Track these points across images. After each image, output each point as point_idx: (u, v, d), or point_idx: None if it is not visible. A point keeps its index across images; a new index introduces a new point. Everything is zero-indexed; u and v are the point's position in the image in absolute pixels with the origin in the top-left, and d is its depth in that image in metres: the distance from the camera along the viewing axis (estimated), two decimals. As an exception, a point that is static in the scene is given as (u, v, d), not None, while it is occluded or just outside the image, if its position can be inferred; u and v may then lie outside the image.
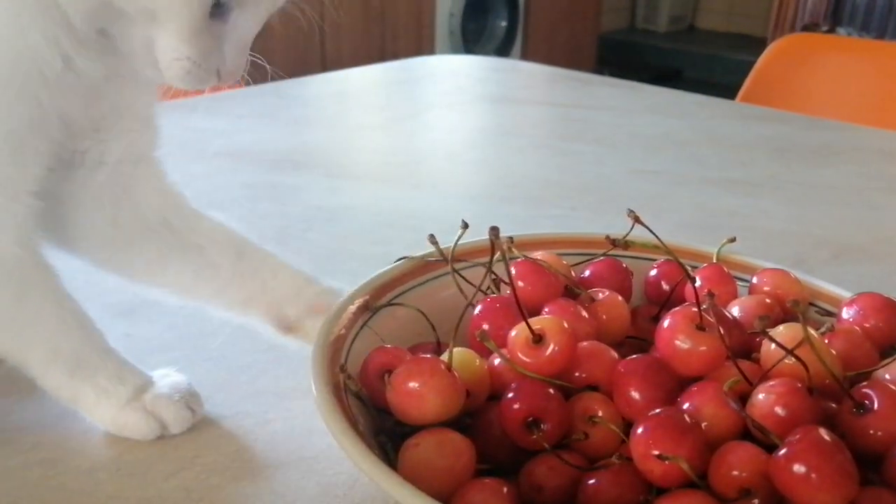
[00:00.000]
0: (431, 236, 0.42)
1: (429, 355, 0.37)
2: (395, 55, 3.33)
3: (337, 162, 0.92)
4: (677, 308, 0.38)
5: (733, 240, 0.49)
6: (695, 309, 0.37)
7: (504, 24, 3.84)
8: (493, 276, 0.42)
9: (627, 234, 0.47)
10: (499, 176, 0.90)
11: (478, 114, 1.17)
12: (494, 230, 0.38)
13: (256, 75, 0.46)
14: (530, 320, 0.37)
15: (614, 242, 0.46)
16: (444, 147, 1.01)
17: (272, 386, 0.49)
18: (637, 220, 0.45)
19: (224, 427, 0.46)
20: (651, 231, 0.45)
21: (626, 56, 5.08)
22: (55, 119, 0.42)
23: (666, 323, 0.37)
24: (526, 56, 3.99)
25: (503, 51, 3.86)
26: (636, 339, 0.43)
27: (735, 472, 0.31)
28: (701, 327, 0.37)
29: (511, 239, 0.42)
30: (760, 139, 1.05)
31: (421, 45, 3.46)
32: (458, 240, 0.43)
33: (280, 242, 0.70)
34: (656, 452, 0.32)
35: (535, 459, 0.35)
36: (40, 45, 0.39)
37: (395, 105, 1.20)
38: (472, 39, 3.71)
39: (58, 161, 0.44)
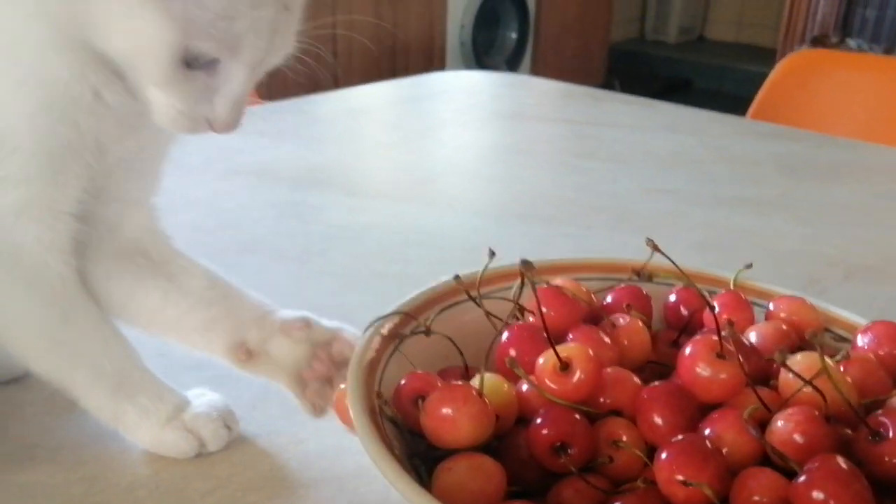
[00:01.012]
0: (457, 277, 0.44)
1: (459, 382, 0.38)
2: (406, 66, 3.36)
3: (356, 180, 0.94)
4: (698, 336, 0.39)
5: (750, 266, 0.50)
6: (715, 337, 0.39)
7: (514, 35, 3.86)
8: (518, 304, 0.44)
9: (647, 262, 0.48)
10: (514, 193, 0.92)
11: (491, 130, 1.18)
12: (526, 264, 0.40)
13: (274, 91, 0.47)
14: (550, 352, 0.39)
15: (639, 274, 0.47)
16: (459, 164, 1.03)
17: (303, 405, 0.51)
18: (655, 248, 0.47)
19: (258, 446, 0.47)
20: (670, 259, 0.47)
21: (636, 66, 5.10)
22: (92, 144, 0.43)
23: (687, 351, 0.39)
24: (536, 66, 4.02)
25: (513, 61, 3.89)
26: (657, 363, 0.45)
27: (756, 498, 0.33)
28: (721, 355, 0.38)
29: (532, 266, 0.43)
30: (772, 157, 1.07)
31: (432, 55, 3.49)
32: (484, 269, 0.44)
33: (303, 261, 0.72)
34: (680, 478, 0.33)
35: (563, 482, 0.37)
36: (70, 79, 0.41)
37: (409, 122, 1.22)
38: (482, 50, 3.73)
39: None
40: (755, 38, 5.38)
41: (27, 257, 0.42)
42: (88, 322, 0.44)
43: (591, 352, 0.39)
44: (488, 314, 0.44)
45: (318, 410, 0.47)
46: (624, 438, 0.37)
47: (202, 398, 0.47)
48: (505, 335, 0.42)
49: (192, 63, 0.40)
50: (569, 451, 0.36)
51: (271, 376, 0.49)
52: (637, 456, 0.37)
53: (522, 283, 0.41)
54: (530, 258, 0.44)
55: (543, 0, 3.91)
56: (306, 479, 0.45)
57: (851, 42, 4.26)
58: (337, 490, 0.44)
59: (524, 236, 0.78)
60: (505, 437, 0.39)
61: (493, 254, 0.44)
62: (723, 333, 0.38)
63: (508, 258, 0.73)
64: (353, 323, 0.61)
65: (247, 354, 0.49)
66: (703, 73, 5.04)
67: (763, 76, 1.53)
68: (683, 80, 5.04)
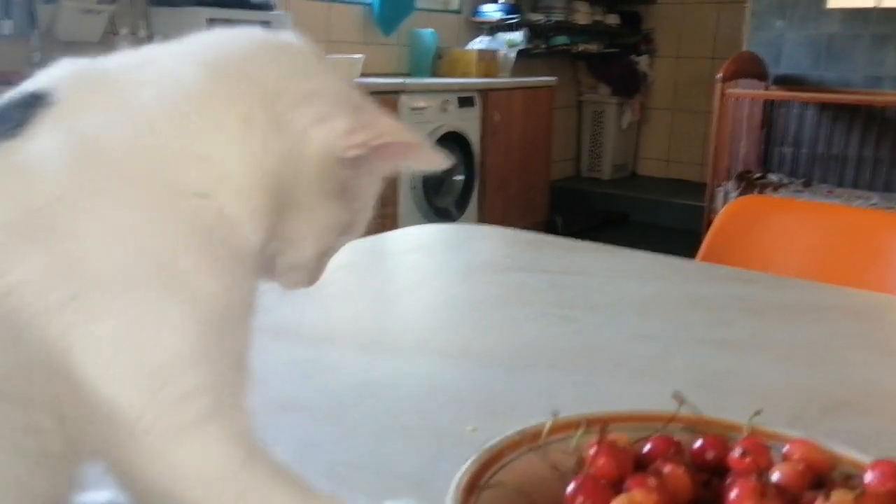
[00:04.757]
0: (520, 432, 0.51)
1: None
2: (362, 210, 3.49)
3: (368, 336, 1.01)
4: (741, 479, 0.47)
5: (759, 412, 0.59)
6: (754, 481, 0.46)
7: (461, 178, 4.06)
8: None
9: (676, 413, 0.56)
10: (516, 344, 1.00)
11: (477, 283, 1.27)
12: (591, 422, 0.47)
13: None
14: (621, 498, 0.46)
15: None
16: (459, 316, 1.11)
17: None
18: (682, 401, 0.55)
19: None
20: (698, 410, 0.55)
21: (576, 202, 5.37)
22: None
23: (733, 494, 0.46)
24: (483, 206, 4.20)
25: (461, 202, 4.07)
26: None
27: None
28: (762, 494, 0.46)
29: (594, 423, 0.51)
30: (735, 299, 1.18)
31: (385, 198, 3.62)
32: (550, 427, 0.52)
33: (335, 420, 0.78)
34: None
35: None
36: (248, 283, 0.50)
37: (401, 275, 1.31)
38: (432, 192, 3.91)
39: None
40: (683, 173, 5.76)
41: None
42: None
43: (654, 498, 0.46)
44: (554, 468, 0.51)
45: None
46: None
47: None
48: (571, 486, 0.49)
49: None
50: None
51: None
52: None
53: (601, 448, 0.49)
54: (555, 408, 0.53)
55: (488, 145, 4.15)
56: None
57: (773, 176, 4.61)
58: None
59: (535, 386, 0.86)
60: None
61: (556, 413, 0.51)
62: (762, 477, 0.46)
63: (526, 407, 0.81)
64: (396, 474, 0.67)
65: None
66: (637, 207, 5.33)
67: (693, 209, 1.68)
68: (620, 214, 5.32)
